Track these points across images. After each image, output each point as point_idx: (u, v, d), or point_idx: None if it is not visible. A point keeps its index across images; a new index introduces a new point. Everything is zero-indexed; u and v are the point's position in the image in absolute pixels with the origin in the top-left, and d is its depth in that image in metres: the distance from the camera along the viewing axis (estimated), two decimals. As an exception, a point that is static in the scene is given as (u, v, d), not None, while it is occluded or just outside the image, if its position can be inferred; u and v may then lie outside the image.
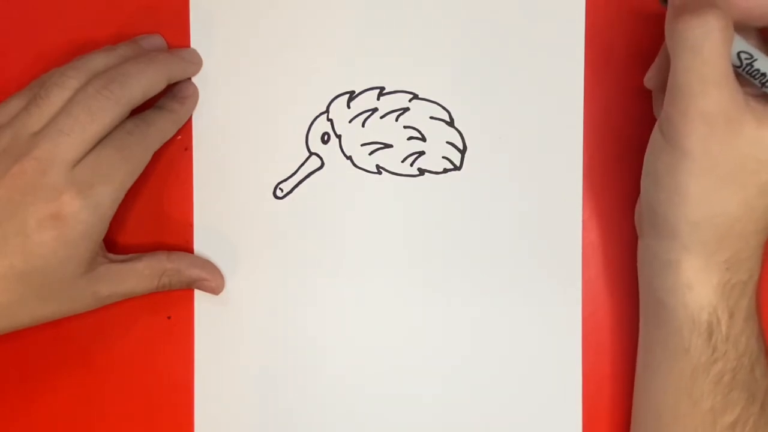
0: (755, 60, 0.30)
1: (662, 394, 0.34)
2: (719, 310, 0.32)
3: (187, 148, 0.39)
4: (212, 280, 0.38)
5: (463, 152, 0.39)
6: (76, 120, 0.33)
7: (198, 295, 0.39)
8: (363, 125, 0.39)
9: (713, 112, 0.29)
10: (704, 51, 0.29)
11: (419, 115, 0.39)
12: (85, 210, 0.33)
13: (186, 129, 0.39)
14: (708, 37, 0.29)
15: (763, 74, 0.30)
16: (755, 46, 0.32)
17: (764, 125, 0.30)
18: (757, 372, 0.33)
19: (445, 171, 0.39)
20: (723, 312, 0.32)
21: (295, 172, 0.39)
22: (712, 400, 0.32)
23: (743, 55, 0.31)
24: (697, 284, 0.32)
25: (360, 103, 0.39)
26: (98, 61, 0.35)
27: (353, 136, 0.39)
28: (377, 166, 0.39)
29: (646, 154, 0.34)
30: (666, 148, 0.31)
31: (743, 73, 0.31)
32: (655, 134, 0.32)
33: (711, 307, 0.32)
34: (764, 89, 0.31)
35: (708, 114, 0.29)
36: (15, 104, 0.35)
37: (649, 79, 0.35)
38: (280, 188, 0.39)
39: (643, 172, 0.34)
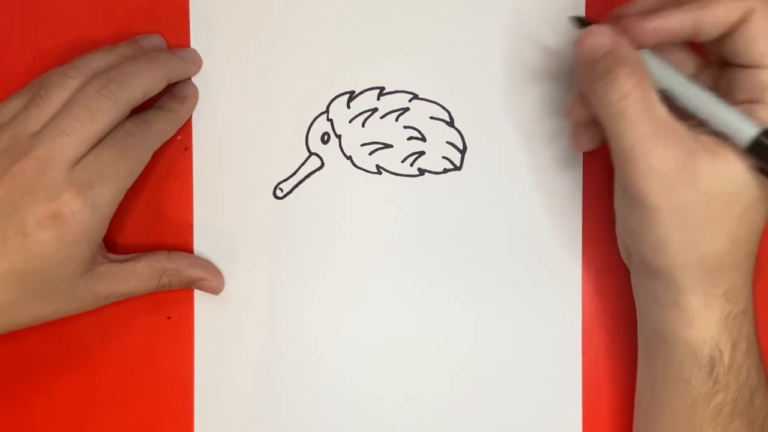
0: (679, 97, 0.30)
1: (662, 423, 0.34)
2: (721, 343, 0.31)
3: (187, 148, 0.39)
4: (212, 280, 0.38)
5: (463, 152, 0.39)
6: (75, 120, 0.33)
7: (198, 295, 0.39)
8: (363, 125, 0.39)
9: (665, 167, 0.29)
10: (629, 113, 0.29)
11: (419, 115, 0.39)
12: (85, 210, 0.33)
13: (186, 129, 0.39)
14: (627, 100, 0.29)
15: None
16: (683, 61, 0.32)
17: (719, 158, 0.29)
18: (756, 401, 0.32)
19: (445, 171, 0.39)
20: (725, 344, 0.31)
21: (295, 172, 0.39)
22: (711, 430, 0.32)
23: (668, 92, 0.30)
24: (698, 320, 0.31)
25: (360, 103, 0.39)
26: (98, 61, 0.35)
27: (353, 136, 0.39)
28: (377, 166, 0.39)
29: (615, 207, 0.34)
30: (633, 205, 0.31)
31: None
32: (618, 192, 0.32)
33: (713, 341, 0.31)
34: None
35: (660, 170, 0.29)
36: (15, 104, 0.35)
37: (572, 112, 0.34)
38: (280, 188, 0.39)
39: (616, 222, 0.34)
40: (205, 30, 0.39)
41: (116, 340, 0.40)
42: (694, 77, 0.33)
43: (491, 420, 0.39)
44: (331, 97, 0.39)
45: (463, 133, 0.39)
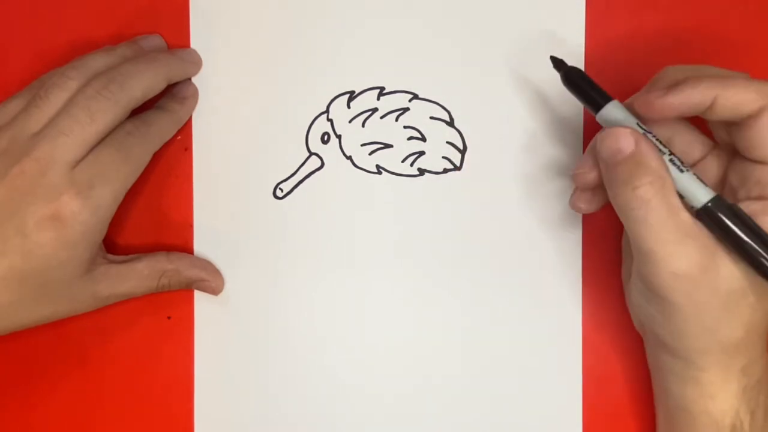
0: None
1: None
2: (741, 412, 0.32)
3: (187, 148, 0.39)
4: (212, 280, 0.38)
5: (463, 152, 0.39)
6: (75, 120, 0.33)
7: (198, 295, 0.39)
8: (363, 125, 0.39)
9: (686, 271, 0.29)
10: (650, 220, 0.29)
11: (419, 115, 0.39)
12: (85, 210, 0.33)
13: (186, 129, 0.39)
14: (648, 207, 0.29)
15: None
16: (691, 142, 0.33)
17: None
18: None
19: (445, 171, 0.39)
20: (745, 414, 0.32)
21: (295, 172, 0.39)
22: None
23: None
24: (718, 394, 0.32)
25: (360, 103, 0.39)
26: (98, 61, 0.35)
27: (353, 136, 0.39)
28: (377, 166, 0.39)
29: (630, 290, 0.34)
30: (653, 298, 0.31)
31: None
32: (636, 281, 0.33)
33: (733, 411, 0.32)
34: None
35: (682, 273, 0.29)
36: (15, 105, 0.35)
37: (579, 177, 0.34)
38: (280, 188, 0.39)
39: (627, 296, 0.35)
40: (205, 30, 0.39)
41: (116, 340, 0.40)
42: (703, 158, 0.34)
43: (492, 420, 0.39)
44: (331, 97, 0.39)
45: (463, 133, 0.38)
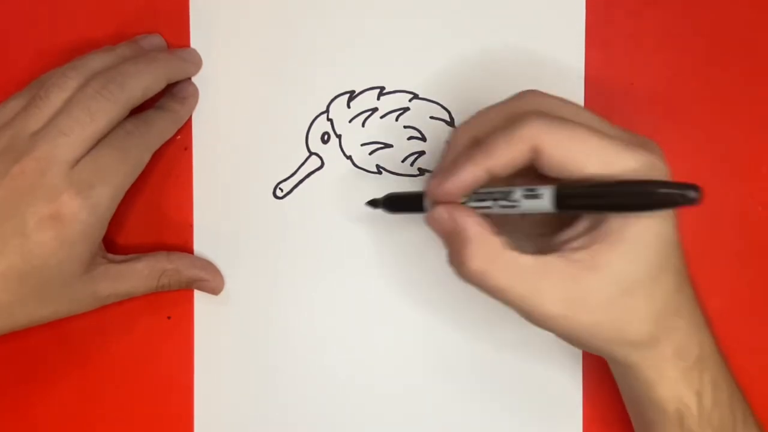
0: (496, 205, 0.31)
1: None
2: (685, 397, 0.31)
3: (187, 148, 0.39)
4: (212, 280, 0.38)
5: (463, 152, 0.39)
6: (75, 120, 0.33)
7: (198, 295, 0.39)
8: (363, 125, 0.39)
9: (560, 308, 0.29)
10: (499, 285, 0.29)
11: (419, 115, 0.39)
12: (85, 210, 0.33)
13: (186, 129, 0.39)
14: (486, 276, 0.29)
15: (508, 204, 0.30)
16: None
17: (599, 267, 0.29)
18: None
19: (445, 171, 0.39)
20: (690, 397, 0.31)
21: (295, 172, 0.39)
22: None
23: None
24: (658, 383, 0.31)
25: (360, 103, 0.39)
26: (97, 61, 0.35)
27: (353, 135, 0.39)
28: (377, 166, 0.39)
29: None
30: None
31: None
32: None
33: (676, 398, 0.31)
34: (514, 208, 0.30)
35: (557, 313, 0.29)
36: (14, 104, 0.35)
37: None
38: (280, 188, 0.39)
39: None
40: (205, 30, 0.39)
41: (116, 340, 0.40)
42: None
43: (492, 420, 0.39)
44: (331, 97, 0.39)
45: (463, 133, 0.38)
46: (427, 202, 0.32)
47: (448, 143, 0.33)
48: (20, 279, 0.32)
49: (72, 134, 0.32)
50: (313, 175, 0.39)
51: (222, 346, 0.39)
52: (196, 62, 0.39)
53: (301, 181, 0.39)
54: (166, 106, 0.37)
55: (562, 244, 0.30)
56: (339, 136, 0.39)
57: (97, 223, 0.33)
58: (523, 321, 0.30)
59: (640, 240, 0.29)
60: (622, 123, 0.38)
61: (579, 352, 0.38)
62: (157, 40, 0.39)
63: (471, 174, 0.30)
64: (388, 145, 0.39)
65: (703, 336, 0.32)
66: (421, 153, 0.39)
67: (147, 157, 0.36)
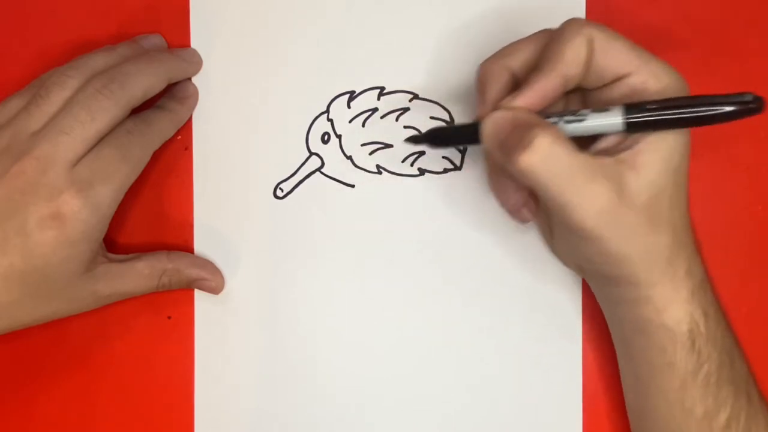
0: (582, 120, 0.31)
1: (654, 413, 0.34)
2: (696, 315, 0.32)
3: (187, 148, 0.39)
4: (212, 279, 0.38)
5: (463, 152, 0.39)
6: (75, 119, 0.33)
7: (198, 295, 0.39)
8: (363, 125, 0.39)
9: (606, 204, 0.30)
10: (555, 170, 0.29)
11: (419, 115, 0.39)
12: (85, 209, 0.33)
13: (186, 129, 0.39)
14: (550, 160, 0.29)
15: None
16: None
17: (641, 168, 0.30)
18: (737, 363, 0.33)
19: (445, 171, 0.39)
20: (699, 316, 0.32)
21: (295, 172, 0.39)
22: (704, 404, 0.33)
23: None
24: (671, 304, 0.32)
25: (360, 103, 0.39)
26: (98, 60, 0.35)
27: (353, 136, 0.39)
28: (377, 166, 0.39)
29: (556, 244, 0.35)
30: (584, 241, 0.31)
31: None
32: (561, 234, 0.34)
33: (688, 317, 0.32)
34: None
35: (603, 209, 0.30)
36: (15, 104, 0.35)
37: (506, 203, 0.36)
38: (280, 188, 0.39)
39: (563, 253, 0.36)
40: (205, 30, 0.39)
41: (116, 340, 0.40)
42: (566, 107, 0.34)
43: (492, 420, 0.39)
44: (331, 97, 0.39)
45: (463, 133, 0.39)
46: (491, 114, 0.32)
47: (480, 80, 0.34)
48: (21, 278, 0.32)
49: (73, 133, 0.32)
50: (313, 175, 0.39)
51: (222, 345, 0.39)
52: (196, 62, 0.39)
53: (301, 181, 0.39)
54: (166, 106, 0.38)
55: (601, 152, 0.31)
56: (339, 136, 0.39)
57: (97, 222, 0.33)
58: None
59: (676, 147, 0.30)
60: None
61: (579, 351, 0.38)
62: (157, 40, 0.39)
63: (551, 82, 0.31)
64: (388, 145, 0.39)
65: (699, 257, 0.33)
66: (421, 153, 0.39)
67: (147, 157, 0.36)
